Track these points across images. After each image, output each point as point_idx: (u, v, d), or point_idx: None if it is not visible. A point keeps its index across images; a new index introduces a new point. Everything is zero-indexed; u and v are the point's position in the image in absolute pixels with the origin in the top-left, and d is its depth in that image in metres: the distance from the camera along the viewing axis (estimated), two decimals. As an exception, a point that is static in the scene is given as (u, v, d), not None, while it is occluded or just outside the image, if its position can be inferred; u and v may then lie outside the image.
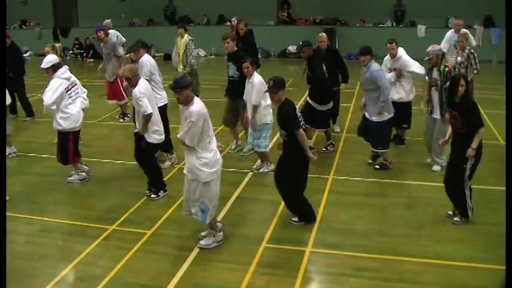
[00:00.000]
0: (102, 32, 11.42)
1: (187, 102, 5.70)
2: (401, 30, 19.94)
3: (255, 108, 8.11)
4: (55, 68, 7.84)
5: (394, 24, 21.23)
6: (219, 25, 21.86)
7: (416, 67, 8.70)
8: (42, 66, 7.86)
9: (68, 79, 7.89)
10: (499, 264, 5.54)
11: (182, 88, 5.61)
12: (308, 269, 5.75)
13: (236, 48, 9.09)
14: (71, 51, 23.19)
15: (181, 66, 12.40)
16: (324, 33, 9.82)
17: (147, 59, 8.48)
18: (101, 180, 8.40)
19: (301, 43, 8.86)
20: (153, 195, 7.50)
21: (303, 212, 6.73)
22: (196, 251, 6.09)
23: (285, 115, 6.35)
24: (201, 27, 21.99)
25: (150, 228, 6.64)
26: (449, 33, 11.80)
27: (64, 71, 7.89)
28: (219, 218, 6.72)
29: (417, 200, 7.37)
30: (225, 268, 5.77)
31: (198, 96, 6.10)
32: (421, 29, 19.35)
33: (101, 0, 22.95)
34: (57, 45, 9.68)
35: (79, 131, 8.17)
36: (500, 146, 8.55)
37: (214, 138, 5.97)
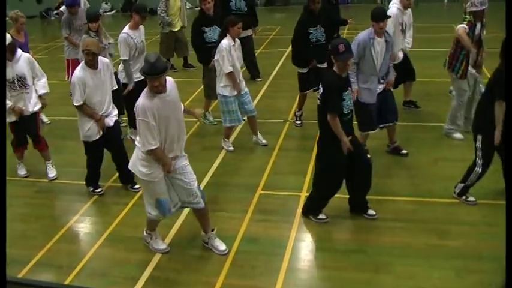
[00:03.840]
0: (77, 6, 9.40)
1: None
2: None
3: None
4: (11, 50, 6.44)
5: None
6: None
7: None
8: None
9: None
10: (491, 199, 5.68)
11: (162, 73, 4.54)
12: (304, 213, 5.80)
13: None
14: (55, 12, 22.72)
15: (178, 26, 11.80)
16: None
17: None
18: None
19: None
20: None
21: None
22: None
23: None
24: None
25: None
26: None
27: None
28: (212, 169, 6.79)
29: (410, 141, 7.39)
30: (222, 217, 5.83)
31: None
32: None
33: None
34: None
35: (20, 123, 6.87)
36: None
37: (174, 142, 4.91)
